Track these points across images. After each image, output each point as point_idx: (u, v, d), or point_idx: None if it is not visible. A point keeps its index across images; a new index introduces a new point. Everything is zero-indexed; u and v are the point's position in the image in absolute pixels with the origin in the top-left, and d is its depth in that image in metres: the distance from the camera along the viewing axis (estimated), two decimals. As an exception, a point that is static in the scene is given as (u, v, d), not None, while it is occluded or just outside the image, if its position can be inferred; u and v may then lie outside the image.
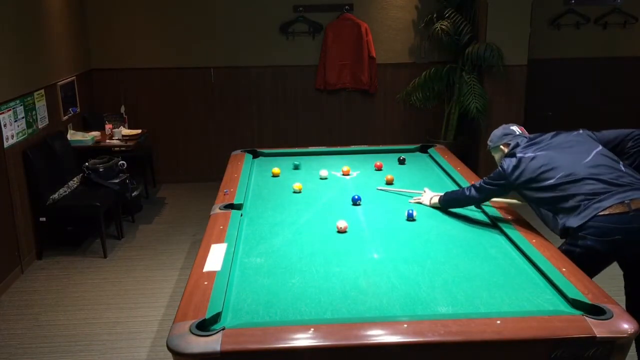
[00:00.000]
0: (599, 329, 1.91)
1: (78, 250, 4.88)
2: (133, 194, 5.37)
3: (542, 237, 2.69)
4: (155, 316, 3.83)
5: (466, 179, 3.57)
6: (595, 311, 2.02)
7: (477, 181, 3.06)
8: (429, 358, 1.97)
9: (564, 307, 2.12)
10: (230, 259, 2.49)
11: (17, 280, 4.36)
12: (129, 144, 5.36)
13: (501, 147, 3.08)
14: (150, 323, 3.74)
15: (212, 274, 2.33)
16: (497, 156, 3.14)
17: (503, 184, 2.88)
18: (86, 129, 5.85)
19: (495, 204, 3.16)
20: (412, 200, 3.32)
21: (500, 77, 5.84)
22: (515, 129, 3.08)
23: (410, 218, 3.01)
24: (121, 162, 5.12)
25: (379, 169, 3.94)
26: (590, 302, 2.07)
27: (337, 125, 6.62)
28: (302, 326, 1.97)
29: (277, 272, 2.46)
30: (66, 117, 5.47)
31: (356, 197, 3.28)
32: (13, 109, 4.43)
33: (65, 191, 4.79)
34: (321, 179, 3.76)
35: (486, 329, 1.94)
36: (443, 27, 5.87)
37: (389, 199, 3.41)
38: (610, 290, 2.29)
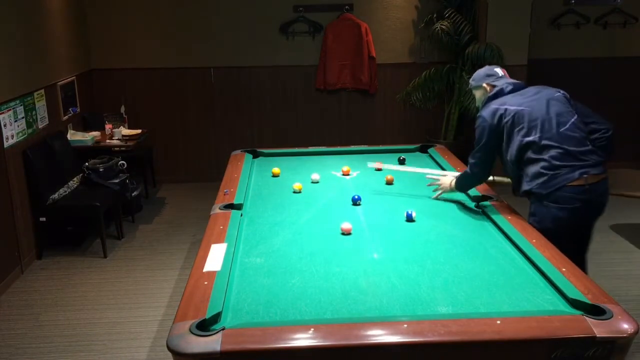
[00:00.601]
0: (599, 329, 1.91)
1: (78, 250, 4.88)
2: (133, 194, 5.38)
3: (542, 237, 2.69)
4: (155, 316, 3.83)
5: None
6: (595, 311, 2.02)
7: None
8: (429, 358, 1.97)
9: (564, 307, 2.11)
10: (230, 259, 2.49)
11: (17, 280, 4.36)
12: (129, 144, 5.36)
13: (484, 85, 3.18)
14: (150, 323, 3.74)
15: (212, 274, 2.33)
16: (478, 94, 3.24)
17: (487, 132, 2.99)
18: (86, 129, 5.86)
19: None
20: (431, 185, 3.39)
21: (500, 77, 5.84)
22: (499, 70, 3.21)
23: (410, 219, 3.01)
24: (121, 162, 5.12)
25: (378, 169, 3.92)
26: (590, 302, 2.07)
27: (337, 125, 6.62)
28: (302, 326, 1.97)
29: (277, 272, 2.46)
30: (66, 117, 5.48)
31: (356, 197, 3.28)
32: (13, 109, 4.43)
33: (65, 191, 4.79)
34: (312, 182, 3.69)
35: (486, 329, 1.94)
36: (443, 27, 5.87)
37: (389, 199, 3.41)
38: (611, 290, 2.29)
